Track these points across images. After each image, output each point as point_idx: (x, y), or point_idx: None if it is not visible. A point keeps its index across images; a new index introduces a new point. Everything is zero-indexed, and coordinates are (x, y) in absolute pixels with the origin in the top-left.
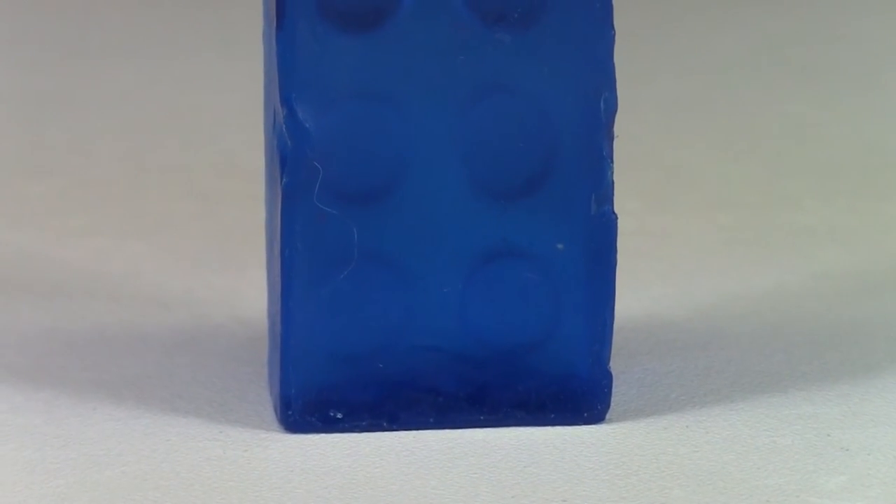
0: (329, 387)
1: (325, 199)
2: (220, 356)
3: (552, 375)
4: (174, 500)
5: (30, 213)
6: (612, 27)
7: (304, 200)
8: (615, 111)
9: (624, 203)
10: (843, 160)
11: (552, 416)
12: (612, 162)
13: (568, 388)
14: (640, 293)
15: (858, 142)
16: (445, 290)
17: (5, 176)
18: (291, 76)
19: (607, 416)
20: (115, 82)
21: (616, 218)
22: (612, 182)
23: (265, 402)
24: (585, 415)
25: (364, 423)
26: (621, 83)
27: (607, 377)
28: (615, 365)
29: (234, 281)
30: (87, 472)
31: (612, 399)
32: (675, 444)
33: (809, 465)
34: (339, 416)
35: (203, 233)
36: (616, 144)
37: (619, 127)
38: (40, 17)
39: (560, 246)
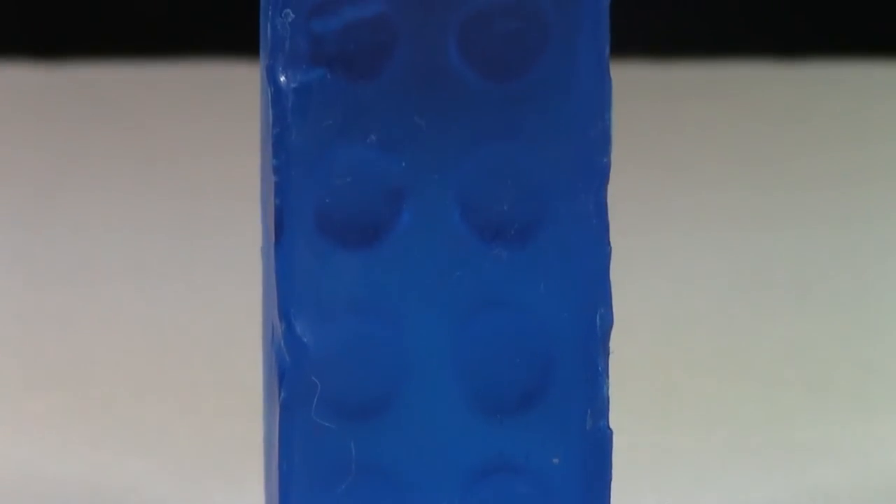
0: None
1: (322, 413)
2: None
3: None
4: None
5: (29, 429)
6: (608, 243)
7: (303, 415)
8: (611, 327)
9: (619, 419)
10: (835, 378)
11: None
12: (607, 377)
13: None
14: None
15: (851, 360)
16: None
17: (5, 391)
18: (290, 291)
19: None
20: (115, 301)
21: (611, 433)
22: (608, 397)
23: None
24: None
25: None
26: (616, 299)
27: None
28: None
29: (233, 496)
30: None
31: None
32: None
33: None
34: None
35: (202, 448)
36: (611, 360)
37: (614, 342)
38: (40, 237)
39: (555, 460)
